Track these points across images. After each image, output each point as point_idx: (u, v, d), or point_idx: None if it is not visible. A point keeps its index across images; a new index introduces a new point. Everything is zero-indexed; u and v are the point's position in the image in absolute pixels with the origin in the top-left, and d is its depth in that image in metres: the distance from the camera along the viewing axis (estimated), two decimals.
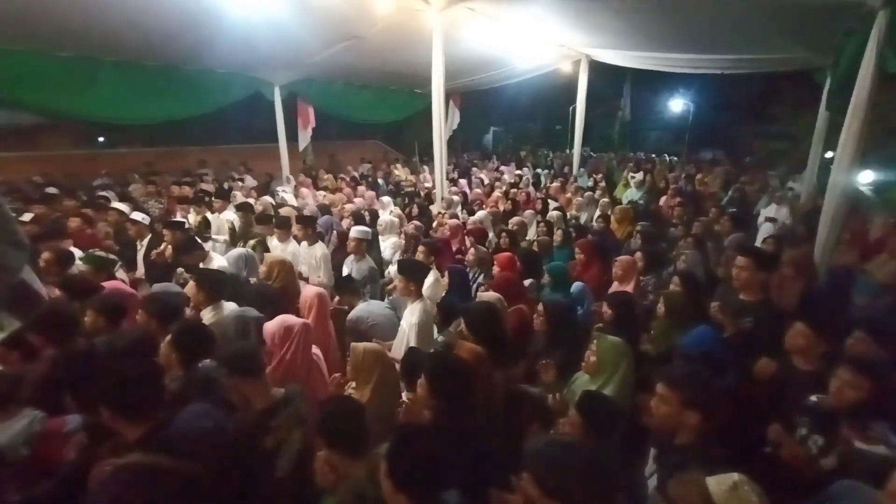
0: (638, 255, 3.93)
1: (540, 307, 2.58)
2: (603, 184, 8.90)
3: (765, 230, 5.41)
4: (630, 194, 8.30)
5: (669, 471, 1.73)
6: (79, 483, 1.56)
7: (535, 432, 1.94)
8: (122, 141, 13.82)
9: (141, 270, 4.28)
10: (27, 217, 4.78)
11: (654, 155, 15.28)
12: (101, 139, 14.50)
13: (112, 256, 3.77)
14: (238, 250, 3.84)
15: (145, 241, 4.32)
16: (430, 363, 1.83)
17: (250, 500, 1.81)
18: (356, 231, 3.91)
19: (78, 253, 3.79)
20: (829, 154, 7.23)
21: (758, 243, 4.61)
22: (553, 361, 2.27)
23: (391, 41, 6.80)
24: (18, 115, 11.02)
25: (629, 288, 3.55)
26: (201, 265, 3.47)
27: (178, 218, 5.47)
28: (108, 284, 3.08)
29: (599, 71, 8.84)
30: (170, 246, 4.04)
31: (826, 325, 2.12)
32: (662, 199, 7.25)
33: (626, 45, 7.16)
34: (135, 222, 4.45)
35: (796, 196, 7.05)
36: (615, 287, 3.63)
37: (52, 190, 6.75)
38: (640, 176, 9.80)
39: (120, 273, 3.85)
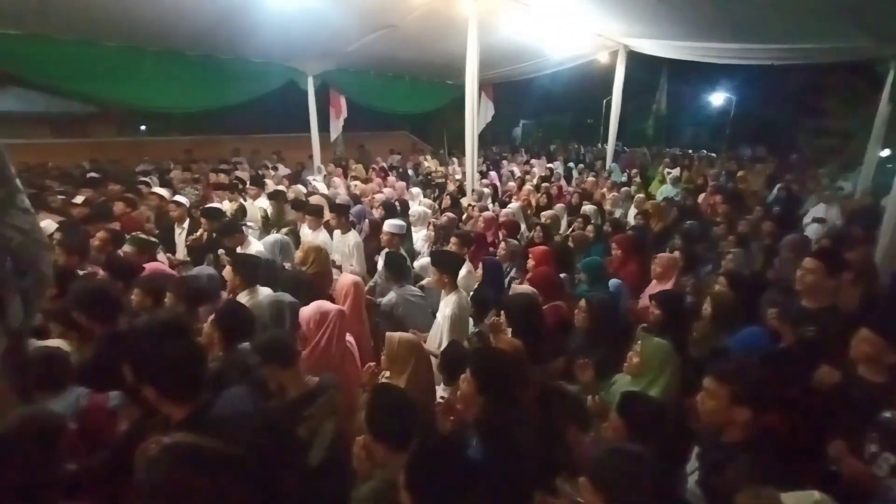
0: (678, 253, 3.78)
1: (582, 303, 2.49)
2: (637, 179, 8.63)
3: (812, 231, 5.11)
4: (665, 190, 8.00)
5: (714, 468, 1.67)
6: (131, 455, 1.61)
7: (573, 433, 1.88)
8: (161, 129, 14.34)
9: (182, 253, 4.40)
10: (79, 199, 5.01)
11: (690, 150, 14.72)
12: (143, 128, 15.09)
13: (153, 239, 3.90)
14: (274, 236, 3.90)
15: (185, 225, 4.44)
16: (477, 359, 1.78)
17: (283, 487, 1.82)
18: (390, 225, 3.88)
19: None
20: (885, 152, 6.77)
21: None
22: (592, 360, 2.18)
23: (425, 30, 6.74)
24: (70, 103, 11.59)
25: (668, 287, 3.41)
26: (239, 249, 3.54)
27: (214, 204, 5.62)
28: (149, 266, 3.19)
29: (634, 62, 8.51)
30: (205, 231, 4.15)
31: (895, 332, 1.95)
32: (701, 197, 6.96)
33: (667, 34, 6.85)
34: (178, 205, 4.58)
35: (847, 196, 6.64)
36: (654, 285, 3.50)
37: (93, 175, 7.04)
38: (676, 172, 9.46)
39: (160, 255, 3.98)
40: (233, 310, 2.25)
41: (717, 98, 19.91)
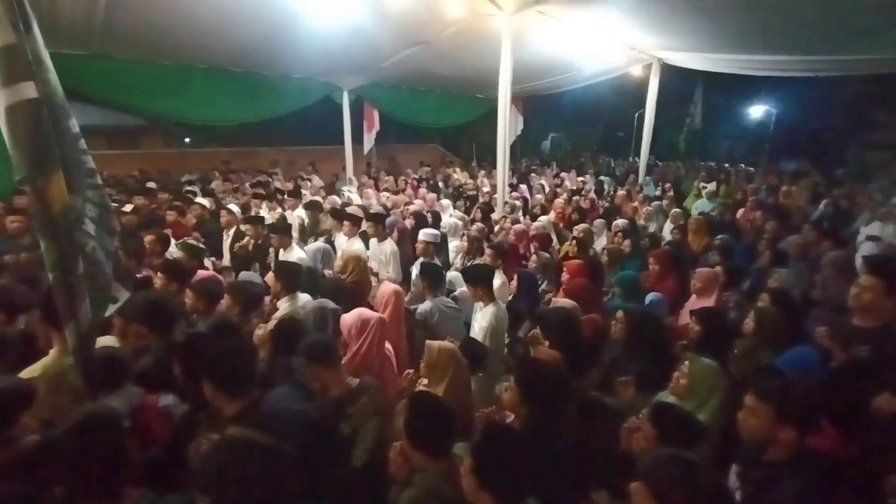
0: (718, 268, 3.68)
1: (620, 314, 2.47)
2: (671, 193, 8.45)
3: (867, 250, 4.85)
4: (701, 205, 7.79)
5: (757, 488, 1.62)
6: (183, 448, 1.70)
7: (610, 442, 1.86)
8: (203, 141, 15.10)
9: (226, 259, 4.61)
10: (128, 208, 5.34)
11: (727, 164, 14.26)
12: (187, 140, 15.94)
13: (202, 246, 4.11)
14: (317, 244, 4.05)
15: (232, 232, 4.67)
16: (523, 369, 1.80)
17: (328, 485, 1.88)
18: (425, 234, 3.95)
19: (173, 242, 4.23)
20: None
21: (857, 264, 4.14)
22: (632, 374, 2.15)
23: (458, 46, 6.88)
24: (122, 117, 12.39)
25: (709, 303, 3.33)
26: (282, 254, 3.69)
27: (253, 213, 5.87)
28: (199, 272, 3.36)
29: (668, 73, 8.41)
30: (251, 239, 4.35)
31: None
32: (740, 212, 6.74)
33: (704, 46, 6.73)
34: (229, 212, 4.83)
35: None
36: (693, 301, 3.42)
37: (151, 184, 7.50)
38: (712, 186, 9.20)
39: (206, 262, 4.19)
40: (291, 323, 2.37)
41: (756, 110, 19.20)
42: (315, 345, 2.05)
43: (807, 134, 17.66)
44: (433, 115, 11.10)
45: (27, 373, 1.92)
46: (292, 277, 3.03)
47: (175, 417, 2.04)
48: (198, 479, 1.56)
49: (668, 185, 9.40)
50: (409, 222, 5.40)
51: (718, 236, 4.68)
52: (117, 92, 6.69)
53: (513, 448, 1.35)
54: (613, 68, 8.45)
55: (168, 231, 4.35)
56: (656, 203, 6.98)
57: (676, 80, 11.35)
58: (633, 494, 1.19)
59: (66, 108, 1.90)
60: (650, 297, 3.33)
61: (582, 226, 5.20)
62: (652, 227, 6.11)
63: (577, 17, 6.13)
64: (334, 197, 7.01)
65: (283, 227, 4.08)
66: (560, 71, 8.66)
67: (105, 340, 2.30)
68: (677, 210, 6.30)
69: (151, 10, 5.22)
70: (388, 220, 5.44)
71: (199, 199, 6.34)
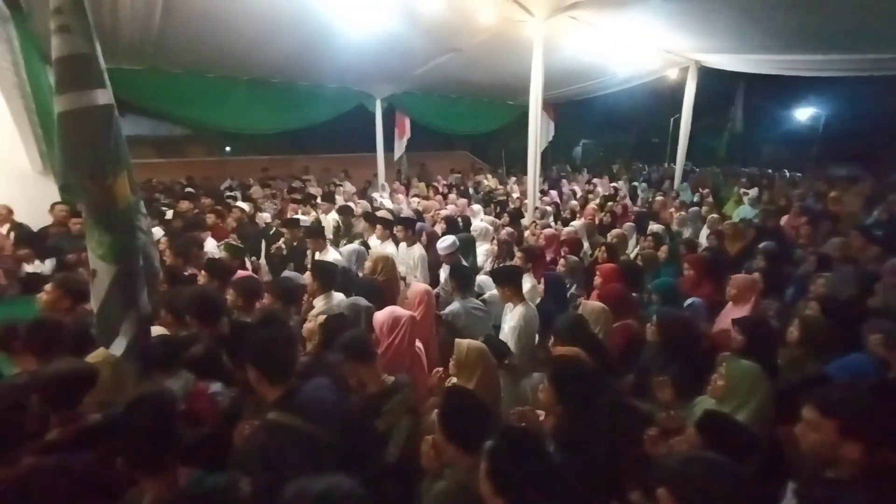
0: (757, 275, 3.54)
1: (654, 318, 2.43)
2: (710, 199, 8.17)
3: None
4: (742, 211, 7.49)
5: None
6: (229, 430, 1.81)
7: (644, 446, 1.82)
8: (242, 150, 15.78)
9: (263, 259, 4.85)
10: (170, 214, 5.69)
11: (769, 170, 13.64)
12: (227, 148, 16.72)
13: (242, 246, 4.33)
14: (352, 246, 4.19)
15: (270, 234, 4.89)
16: (556, 367, 1.80)
17: (361, 478, 1.93)
18: (441, 249, 3.98)
19: (214, 243, 4.48)
20: None
21: None
22: (669, 378, 2.11)
23: (490, 52, 6.96)
24: (170, 127, 13.19)
25: (746, 310, 3.20)
26: (318, 255, 3.83)
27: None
28: (239, 272, 3.54)
29: (706, 76, 8.18)
30: (287, 241, 4.55)
31: None
32: (784, 219, 6.44)
33: (746, 47, 6.52)
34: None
35: None
36: (729, 308, 3.31)
37: (190, 190, 7.95)
38: (754, 192, 8.83)
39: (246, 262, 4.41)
40: (341, 319, 2.48)
41: (803, 113, 18.26)
42: (354, 342, 2.10)
43: (858, 137, 16.61)
44: (464, 122, 11.23)
45: (92, 357, 2.08)
46: (328, 277, 3.13)
47: (221, 403, 2.16)
48: (240, 461, 1.65)
49: (706, 191, 9.11)
50: (440, 227, 5.47)
51: (763, 242, 4.50)
52: (169, 103, 7.17)
53: (530, 454, 1.31)
54: (648, 72, 8.31)
55: (208, 233, 4.60)
56: (693, 209, 6.79)
57: (715, 83, 10.98)
58: (659, 500, 1.17)
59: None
60: (689, 301, 3.25)
61: (615, 231, 5.12)
62: (686, 233, 5.94)
63: (611, 21, 6.08)
64: (365, 202, 7.21)
65: (317, 231, 4.25)
66: (593, 76, 8.60)
67: (154, 330, 2.47)
68: (714, 216, 6.10)
69: (199, 27, 5.58)
70: (418, 226, 5.53)
71: (240, 204, 6.66)
